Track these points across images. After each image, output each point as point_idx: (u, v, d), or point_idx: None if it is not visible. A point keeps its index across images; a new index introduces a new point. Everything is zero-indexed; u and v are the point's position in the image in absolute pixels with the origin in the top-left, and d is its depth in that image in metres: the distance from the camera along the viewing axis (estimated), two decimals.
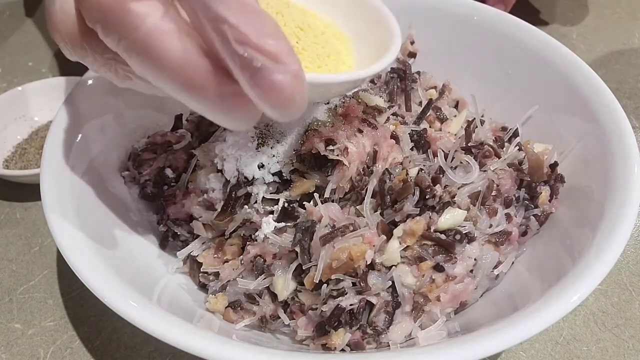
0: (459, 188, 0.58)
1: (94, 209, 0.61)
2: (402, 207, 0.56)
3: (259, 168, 0.59)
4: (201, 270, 0.62)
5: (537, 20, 1.12)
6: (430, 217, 0.56)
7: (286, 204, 0.60)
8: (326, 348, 0.54)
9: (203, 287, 0.64)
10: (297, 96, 0.35)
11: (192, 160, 0.67)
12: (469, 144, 0.64)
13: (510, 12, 0.77)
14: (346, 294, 0.54)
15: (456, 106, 0.76)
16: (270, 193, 0.60)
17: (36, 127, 0.90)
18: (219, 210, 0.61)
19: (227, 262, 0.61)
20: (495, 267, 0.59)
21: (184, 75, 0.36)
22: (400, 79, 0.73)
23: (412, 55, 0.81)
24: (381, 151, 0.61)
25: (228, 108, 0.38)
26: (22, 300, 0.71)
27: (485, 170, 0.60)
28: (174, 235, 0.67)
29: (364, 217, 0.57)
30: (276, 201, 0.60)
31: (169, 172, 0.68)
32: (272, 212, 0.61)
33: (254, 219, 0.60)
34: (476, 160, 0.60)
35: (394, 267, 0.55)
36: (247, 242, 0.61)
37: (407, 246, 0.55)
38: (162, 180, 0.68)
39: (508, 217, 0.60)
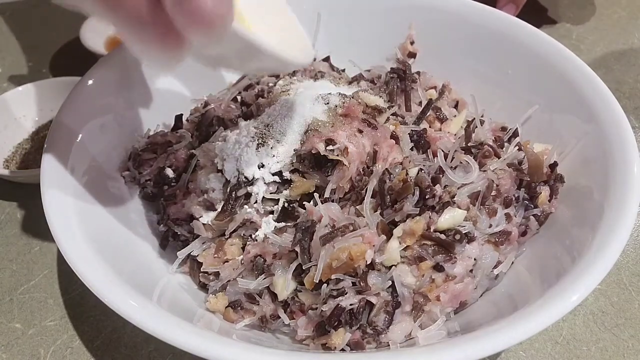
0: (458, 188, 0.58)
1: (94, 209, 0.61)
2: (402, 207, 0.56)
3: (259, 168, 0.59)
4: (201, 270, 0.62)
5: (536, 21, 1.12)
6: (430, 217, 0.56)
7: (286, 204, 0.60)
8: (326, 348, 0.54)
9: (203, 287, 0.64)
10: (219, 13, 0.34)
11: (192, 160, 0.67)
12: (468, 144, 0.64)
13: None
14: (346, 293, 0.54)
15: (456, 106, 0.76)
16: (271, 193, 0.60)
17: (36, 127, 0.90)
18: (219, 210, 0.61)
19: (227, 262, 0.61)
20: (495, 267, 0.59)
21: None
22: (400, 79, 0.73)
23: (412, 55, 0.81)
24: (381, 151, 0.61)
25: (145, 30, 0.36)
26: (23, 300, 0.71)
27: (485, 170, 0.61)
28: (174, 235, 0.67)
29: (364, 217, 0.57)
30: (276, 201, 0.61)
31: (169, 172, 0.68)
32: (272, 212, 0.61)
33: (254, 219, 0.61)
34: (476, 160, 0.60)
35: (393, 267, 0.55)
36: (247, 242, 0.61)
37: (407, 246, 0.55)
38: (162, 180, 0.68)
39: (508, 217, 0.60)
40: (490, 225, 0.59)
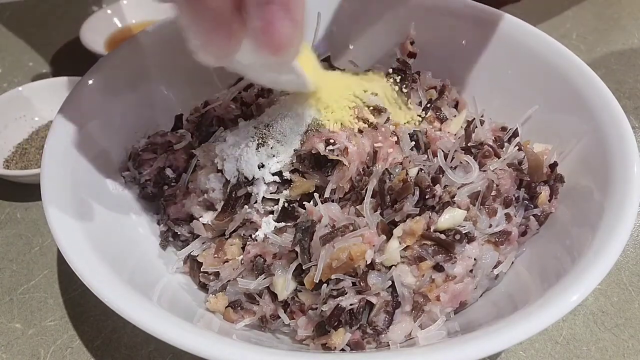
0: (458, 188, 0.58)
1: (94, 209, 0.61)
2: (402, 207, 0.56)
3: (259, 168, 0.59)
4: (201, 270, 0.62)
5: (536, 20, 1.12)
6: (430, 217, 0.56)
7: (286, 204, 0.60)
8: (326, 348, 0.54)
9: (203, 287, 0.64)
10: (291, 45, 0.39)
11: (192, 160, 0.67)
12: (468, 144, 0.64)
13: (513, 11, 0.76)
14: (346, 293, 0.54)
15: (456, 106, 0.76)
16: (271, 193, 0.60)
17: (36, 127, 0.90)
18: (219, 210, 0.61)
19: (227, 262, 0.61)
20: (495, 267, 0.59)
21: None
22: (400, 79, 0.73)
23: (412, 55, 0.81)
24: (381, 151, 0.61)
25: (216, 29, 0.39)
26: (23, 300, 0.71)
27: (485, 170, 0.60)
28: (174, 235, 0.67)
29: (364, 217, 0.57)
30: (276, 201, 0.61)
31: (169, 172, 0.68)
32: (272, 212, 0.61)
33: (254, 219, 0.61)
34: (476, 160, 0.60)
35: (393, 267, 0.55)
36: (247, 242, 0.61)
37: (407, 246, 0.55)
38: (162, 180, 0.68)
39: (508, 217, 0.60)
40: (490, 225, 0.59)
